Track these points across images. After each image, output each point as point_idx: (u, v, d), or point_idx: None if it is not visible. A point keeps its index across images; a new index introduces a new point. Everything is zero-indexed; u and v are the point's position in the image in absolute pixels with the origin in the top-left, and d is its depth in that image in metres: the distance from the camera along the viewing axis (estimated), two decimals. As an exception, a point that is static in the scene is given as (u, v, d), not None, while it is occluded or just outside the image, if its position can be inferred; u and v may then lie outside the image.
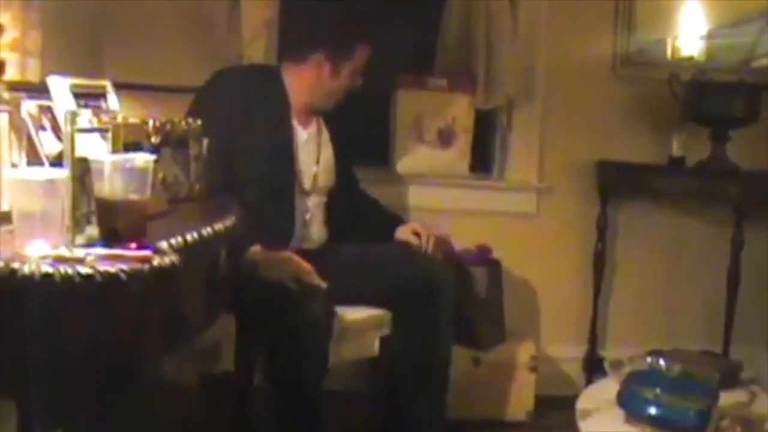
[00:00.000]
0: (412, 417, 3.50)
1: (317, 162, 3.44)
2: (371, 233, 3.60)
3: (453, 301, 3.46)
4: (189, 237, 2.02)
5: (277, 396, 3.06)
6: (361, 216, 3.66)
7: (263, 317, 3.02)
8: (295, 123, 3.38)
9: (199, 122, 2.74)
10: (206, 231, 2.14)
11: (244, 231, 2.87)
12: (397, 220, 3.69)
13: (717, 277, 4.12)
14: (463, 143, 4.27)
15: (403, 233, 3.60)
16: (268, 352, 3.07)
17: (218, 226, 2.23)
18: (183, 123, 2.69)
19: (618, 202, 4.41)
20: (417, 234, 3.56)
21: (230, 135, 3.17)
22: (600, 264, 4.38)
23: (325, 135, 3.50)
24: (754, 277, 4.26)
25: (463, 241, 3.94)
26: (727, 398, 2.52)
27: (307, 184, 3.40)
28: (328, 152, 3.50)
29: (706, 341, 3.99)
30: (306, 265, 3.05)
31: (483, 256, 4.02)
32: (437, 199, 4.25)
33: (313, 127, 3.45)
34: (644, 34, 4.40)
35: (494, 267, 4.03)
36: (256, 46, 3.98)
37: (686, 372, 2.60)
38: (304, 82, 3.37)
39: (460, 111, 4.27)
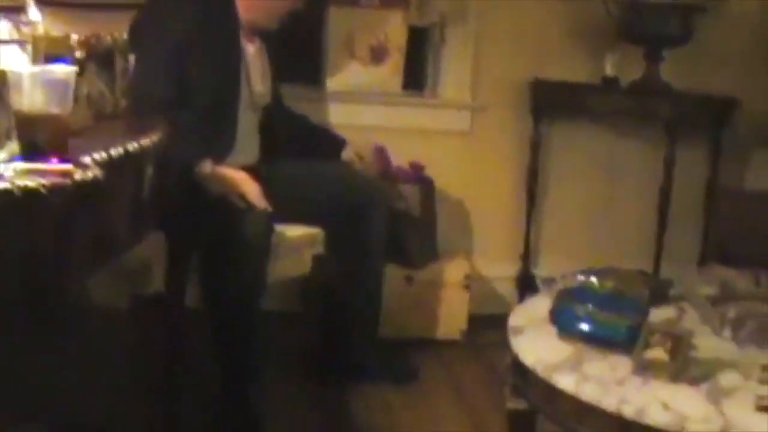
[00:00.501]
0: (344, 335, 3.51)
1: (262, 79, 3.42)
2: (316, 154, 3.61)
3: (386, 220, 3.46)
4: (114, 152, 1.97)
5: (212, 315, 3.05)
6: (302, 136, 3.64)
7: (203, 233, 2.99)
8: (243, 39, 3.33)
9: (125, 36, 2.67)
10: (132, 146, 2.08)
11: (191, 144, 2.88)
12: (342, 142, 3.68)
13: (649, 195, 4.16)
14: (396, 60, 4.22)
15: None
16: (205, 271, 3.05)
17: (145, 142, 2.18)
18: (108, 37, 2.61)
19: (552, 121, 4.40)
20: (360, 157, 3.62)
21: (183, 45, 3.13)
22: (533, 183, 4.38)
23: (266, 54, 3.46)
24: (686, 195, 4.31)
25: (396, 159, 3.91)
26: (657, 315, 2.53)
27: (251, 100, 3.37)
28: (268, 71, 3.47)
29: (638, 259, 4.01)
30: (256, 186, 3.04)
31: (416, 174, 3.99)
32: (370, 116, 4.19)
33: (257, 45, 3.41)
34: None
35: (427, 185, 4.00)
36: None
37: (617, 289, 2.61)
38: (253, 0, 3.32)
39: (393, 28, 4.21)
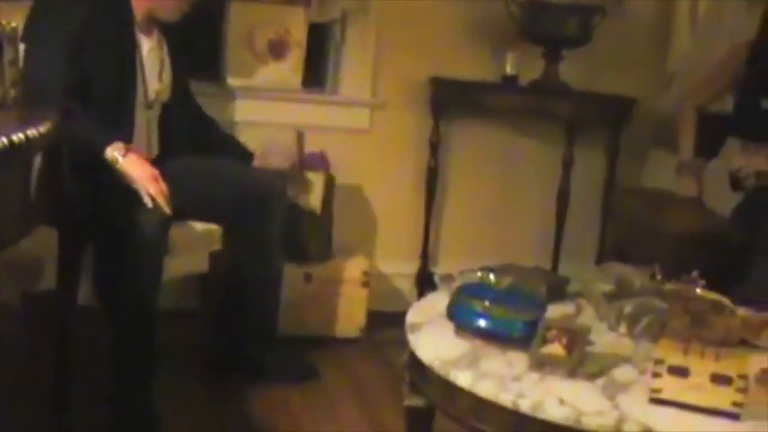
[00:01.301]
0: (243, 333, 3.47)
1: (159, 74, 3.35)
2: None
3: (284, 215, 3.43)
4: (-4, 142, 1.91)
5: (107, 312, 2.99)
6: (208, 143, 3.59)
7: (98, 227, 2.93)
8: (138, 33, 3.26)
9: (14, 24, 2.59)
10: (18, 137, 2.01)
11: (95, 129, 2.89)
12: (249, 155, 3.62)
13: (548, 194, 4.21)
14: (296, 57, 4.19)
15: None
16: (100, 266, 2.98)
17: (32, 133, 2.11)
18: (-5, 25, 2.53)
19: (451, 120, 4.41)
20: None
21: (78, 37, 3.05)
22: (432, 180, 4.38)
23: (165, 47, 3.39)
24: (585, 193, 4.37)
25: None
26: (555, 310, 2.55)
27: (146, 96, 3.29)
28: (167, 65, 3.40)
29: (537, 257, 4.04)
30: (164, 187, 2.97)
31: (322, 164, 3.95)
32: (269, 113, 4.16)
33: (155, 39, 3.34)
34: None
35: (330, 179, 3.97)
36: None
37: (515, 285, 2.62)
38: None
39: (294, 24, 4.18)
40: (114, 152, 2.94)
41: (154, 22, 3.32)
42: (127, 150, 2.97)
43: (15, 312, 3.21)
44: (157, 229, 2.95)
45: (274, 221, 3.40)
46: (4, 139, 1.94)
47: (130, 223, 2.88)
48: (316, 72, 4.41)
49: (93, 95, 3.08)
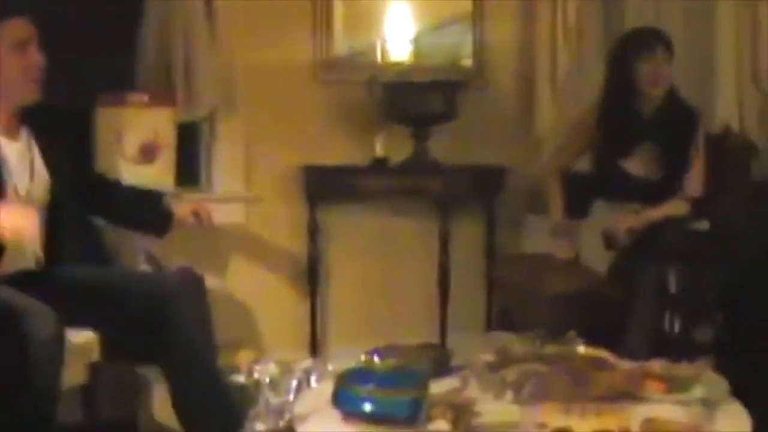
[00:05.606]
0: None
1: (30, 175, 3.18)
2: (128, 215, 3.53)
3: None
4: None
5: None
6: (109, 204, 3.53)
7: None
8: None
9: None
10: None
11: None
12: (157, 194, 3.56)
13: (430, 270, 4.24)
14: (166, 157, 4.16)
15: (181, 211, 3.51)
16: None
17: None
18: None
19: (327, 206, 4.42)
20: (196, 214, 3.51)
21: None
22: (314, 269, 4.38)
23: (36, 149, 3.23)
24: (466, 265, 4.41)
25: (171, 258, 3.85)
26: (441, 386, 2.56)
27: (19, 200, 3.11)
28: (40, 166, 3.23)
29: (426, 332, 4.08)
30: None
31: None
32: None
33: (23, 141, 3.19)
34: (350, 38, 4.49)
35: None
36: None
37: (398, 366, 2.62)
38: None
39: (162, 125, 4.16)
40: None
41: (20, 122, 3.19)
42: None
43: None
44: (53, 340, 2.77)
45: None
46: None
47: (21, 335, 2.70)
48: (191, 169, 4.41)
49: None
